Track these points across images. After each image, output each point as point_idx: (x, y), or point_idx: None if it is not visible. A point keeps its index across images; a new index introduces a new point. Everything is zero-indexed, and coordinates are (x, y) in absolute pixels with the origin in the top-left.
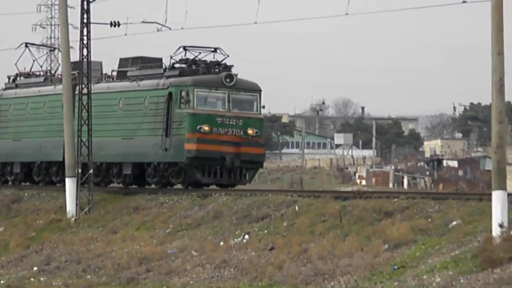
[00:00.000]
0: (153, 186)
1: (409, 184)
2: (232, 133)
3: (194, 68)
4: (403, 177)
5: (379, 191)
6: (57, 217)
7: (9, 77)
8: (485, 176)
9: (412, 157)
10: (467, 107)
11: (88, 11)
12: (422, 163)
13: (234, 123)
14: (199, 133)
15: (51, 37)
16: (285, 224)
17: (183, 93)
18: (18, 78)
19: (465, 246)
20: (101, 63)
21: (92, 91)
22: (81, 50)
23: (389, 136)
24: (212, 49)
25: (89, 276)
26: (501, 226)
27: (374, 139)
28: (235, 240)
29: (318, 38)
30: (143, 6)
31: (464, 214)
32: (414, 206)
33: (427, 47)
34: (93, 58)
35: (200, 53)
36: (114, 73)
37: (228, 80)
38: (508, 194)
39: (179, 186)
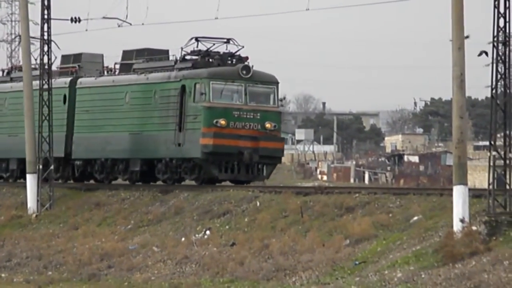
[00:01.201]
0: (159, 183)
1: (370, 179)
2: (249, 127)
3: (207, 60)
4: (364, 173)
5: (340, 187)
6: (18, 214)
7: (3, 70)
8: (446, 171)
9: (373, 153)
10: (428, 102)
11: (48, 7)
12: (383, 158)
13: (251, 116)
14: (216, 127)
15: (11, 33)
16: (246, 219)
17: (198, 86)
18: (13, 71)
19: (426, 241)
20: (102, 55)
21: (95, 85)
22: (41, 46)
23: (350, 132)
24: (225, 40)
25: (50, 272)
26: (462, 221)
27: (335, 134)
28: (197, 236)
29: (279, 33)
30: (104, 2)
31: (425, 209)
32: (375, 201)
33: (387, 42)
34: (94, 50)
35: (214, 44)
36: (117, 66)
37: (244, 72)
38: (469, 189)
39: (192, 182)
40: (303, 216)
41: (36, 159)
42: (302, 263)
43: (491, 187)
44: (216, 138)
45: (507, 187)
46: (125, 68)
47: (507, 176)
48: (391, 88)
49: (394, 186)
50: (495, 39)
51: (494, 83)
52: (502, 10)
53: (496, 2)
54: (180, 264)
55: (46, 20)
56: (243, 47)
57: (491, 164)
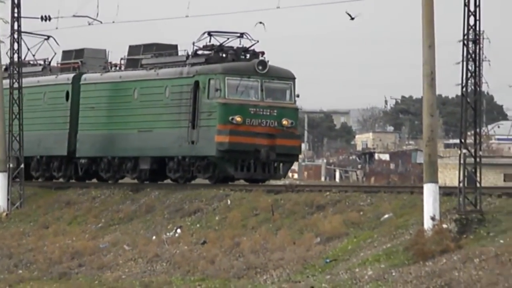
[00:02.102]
0: (167, 181)
1: (341, 177)
2: (266, 124)
3: (221, 55)
4: (335, 171)
5: (311, 185)
6: None
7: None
8: (417, 169)
9: (344, 151)
10: (399, 100)
11: (18, 5)
12: (354, 157)
13: (268, 113)
14: (231, 124)
15: None
16: (217, 218)
17: (212, 82)
18: (11, 68)
19: (397, 239)
20: (105, 51)
21: (101, 81)
22: (11, 44)
23: (321, 130)
24: (238, 34)
25: (20, 271)
26: (432, 219)
27: (306, 132)
28: (167, 234)
29: (250, 32)
30: (74, 0)
31: (396, 207)
32: (346, 199)
33: (358, 40)
34: (96, 46)
35: (228, 38)
36: (123, 61)
37: (260, 67)
38: (440, 187)
39: (205, 181)
40: (274, 215)
41: (6, 158)
42: (273, 261)
43: (461, 185)
44: (232, 136)
45: (478, 185)
46: (132, 63)
47: (478, 174)
48: (362, 86)
49: (365, 184)
50: (465, 37)
51: (464, 81)
52: (472, 8)
53: (466, 1)
54: (151, 263)
55: (16, 18)
56: (257, 41)
57: (462, 162)
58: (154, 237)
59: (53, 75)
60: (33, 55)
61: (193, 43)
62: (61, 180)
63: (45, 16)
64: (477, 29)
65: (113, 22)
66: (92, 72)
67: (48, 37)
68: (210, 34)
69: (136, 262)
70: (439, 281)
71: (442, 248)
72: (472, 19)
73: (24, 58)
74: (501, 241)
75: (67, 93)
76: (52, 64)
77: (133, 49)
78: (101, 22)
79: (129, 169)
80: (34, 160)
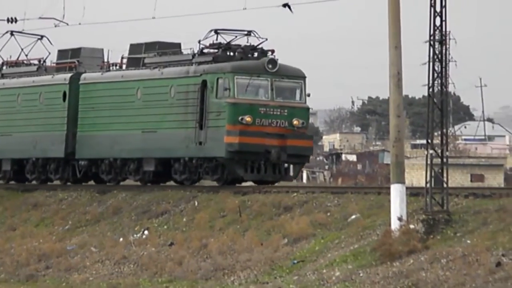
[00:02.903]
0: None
1: (308, 178)
2: (276, 124)
3: (228, 53)
4: (302, 172)
5: (279, 186)
6: None
7: None
8: (384, 169)
9: None
10: (365, 101)
11: None
12: (321, 157)
13: (278, 113)
14: (241, 124)
15: None
16: (184, 219)
17: (221, 81)
18: (3, 68)
19: (364, 240)
20: (102, 50)
21: (102, 80)
22: None
23: None
24: (246, 32)
25: None
26: (399, 219)
27: None
28: (135, 236)
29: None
30: (41, 2)
31: (363, 208)
32: (313, 200)
33: (324, 40)
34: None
35: (236, 36)
36: (124, 60)
37: (270, 66)
38: (407, 188)
39: (213, 183)
40: (242, 216)
41: None
42: (240, 262)
43: (428, 185)
44: (242, 136)
45: (444, 185)
46: (134, 62)
47: (444, 175)
48: (329, 87)
49: (332, 185)
50: (432, 38)
51: (430, 81)
52: (438, 9)
53: (433, 1)
54: (118, 264)
55: None
56: (266, 39)
57: (429, 162)
58: (121, 239)
59: (48, 75)
60: (26, 55)
61: (199, 42)
62: (58, 182)
63: (12, 18)
64: (443, 29)
65: (80, 24)
66: (91, 71)
67: (42, 36)
68: (217, 32)
69: (104, 264)
70: (407, 282)
71: (409, 248)
72: (438, 19)
73: (17, 58)
74: (468, 241)
75: (64, 93)
76: (46, 64)
77: (134, 48)
78: (67, 24)
79: (132, 171)
80: (29, 162)
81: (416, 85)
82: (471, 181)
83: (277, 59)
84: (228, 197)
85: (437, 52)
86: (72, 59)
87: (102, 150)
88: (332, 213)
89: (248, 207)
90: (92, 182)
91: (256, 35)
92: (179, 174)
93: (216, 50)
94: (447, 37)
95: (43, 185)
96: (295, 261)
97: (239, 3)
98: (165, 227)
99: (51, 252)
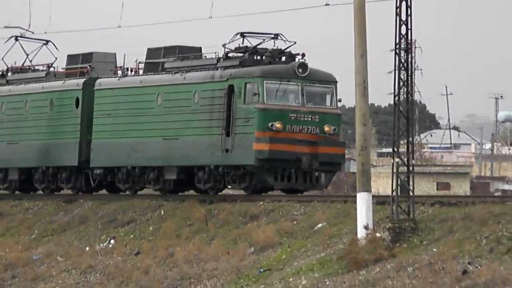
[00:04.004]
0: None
1: None
2: (307, 131)
3: (255, 57)
4: None
5: (245, 194)
6: None
7: None
8: (350, 178)
9: None
10: None
11: None
12: None
13: (309, 119)
14: (271, 131)
15: None
16: (151, 228)
17: (249, 86)
18: (8, 74)
19: (330, 248)
20: (115, 54)
21: (119, 86)
22: None
23: None
24: (273, 35)
25: None
26: (366, 227)
27: None
28: (101, 245)
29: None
30: (6, 11)
31: (329, 216)
32: (279, 209)
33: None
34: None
35: (264, 40)
36: (141, 65)
37: (301, 70)
38: (373, 196)
39: (240, 192)
40: (208, 224)
41: None
42: (207, 271)
43: (394, 193)
44: (272, 143)
45: (410, 193)
46: (152, 67)
47: (410, 183)
48: None
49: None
50: (397, 46)
51: (396, 90)
52: (404, 17)
53: (398, 10)
54: (85, 274)
55: None
56: (295, 43)
57: (395, 170)
58: (87, 248)
59: (58, 80)
60: (30, 61)
61: (224, 45)
62: (69, 192)
63: None
64: (409, 38)
65: (45, 32)
66: (106, 76)
67: (47, 41)
68: (243, 35)
69: (70, 273)
70: None
71: (376, 256)
72: (404, 28)
73: (23, 64)
74: (434, 249)
75: (77, 99)
76: (55, 69)
77: (152, 52)
78: (33, 33)
79: (152, 180)
80: (38, 171)
81: (382, 93)
82: (437, 189)
83: (308, 63)
84: (194, 206)
85: (402, 60)
86: (84, 64)
87: (119, 158)
88: (298, 221)
89: (214, 216)
90: (104, 191)
91: (283, 38)
92: (203, 183)
93: (242, 54)
94: (413, 46)
95: (8, 195)
96: (262, 270)
97: (206, 11)
98: (132, 236)
99: (17, 261)
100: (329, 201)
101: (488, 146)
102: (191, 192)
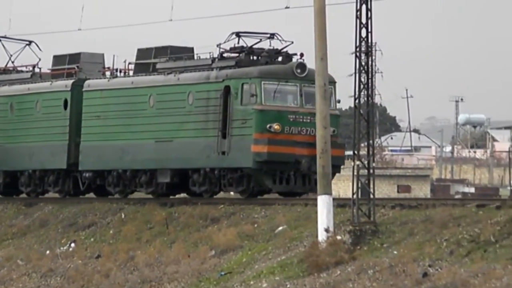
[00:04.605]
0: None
1: None
2: (306, 133)
3: (252, 57)
4: None
5: (205, 198)
6: None
7: None
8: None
9: None
10: None
11: None
12: None
13: (308, 120)
14: (269, 133)
15: None
16: (111, 232)
17: (246, 87)
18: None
19: (291, 251)
20: (103, 55)
21: (109, 87)
22: None
23: None
24: (269, 35)
25: None
26: (327, 230)
27: None
28: (61, 248)
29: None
30: None
31: (290, 219)
32: (240, 212)
33: None
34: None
35: (260, 40)
36: (131, 66)
37: (299, 70)
38: (334, 199)
39: (236, 195)
40: (169, 228)
41: None
42: (168, 274)
43: (355, 196)
44: (271, 145)
45: (371, 196)
46: (143, 68)
47: (371, 186)
48: None
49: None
50: (358, 49)
51: (357, 93)
52: (364, 20)
53: (358, 13)
54: (45, 277)
55: None
56: (292, 42)
57: (355, 173)
58: (48, 252)
59: (45, 81)
60: (12, 62)
61: (219, 45)
62: (57, 195)
63: None
64: (369, 41)
65: (5, 36)
66: (95, 77)
67: (30, 42)
68: (238, 35)
69: (30, 277)
70: None
71: (337, 259)
72: (364, 31)
73: (6, 65)
74: (395, 252)
75: (66, 100)
76: (41, 70)
77: (142, 53)
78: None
79: (144, 183)
80: (24, 175)
81: (343, 96)
82: (398, 192)
83: (306, 63)
84: (155, 209)
85: (363, 63)
86: (71, 65)
87: (109, 161)
88: (259, 224)
89: (175, 219)
90: (92, 195)
91: (280, 38)
92: (198, 186)
93: (237, 55)
94: (373, 49)
95: None
96: (223, 273)
97: (166, 13)
98: (92, 239)
99: None
100: (290, 204)
101: (448, 148)
102: (183, 195)
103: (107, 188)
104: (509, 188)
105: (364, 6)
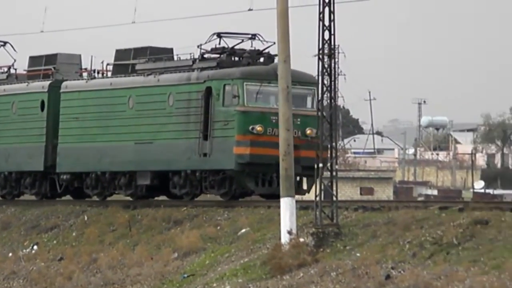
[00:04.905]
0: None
1: None
2: None
3: (233, 58)
4: None
5: (168, 200)
6: None
7: None
8: None
9: None
10: None
11: None
12: None
13: None
14: (252, 134)
15: None
16: (74, 234)
17: (228, 88)
18: None
19: (254, 254)
20: (80, 56)
21: (87, 89)
22: None
23: None
24: (250, 36)
25: None
26: (289, 233)
27: None
28: (24, 251)
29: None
30: None
31: (253, 221)
32: (203, 214)
33: None
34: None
35: (242, 40)
36: (109, 67)
37: None
38: (296, 201)
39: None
40: (131, 230)
41: None
42: (130, 276)
43: (318, 199)
44: (253, 147)
45: (334, 198)
46: (121, 69)
47: (334, 188)
48: None
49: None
50: (321, 51)
51: (320, 95)
52: (327, 23)
53: (321, 15)
54: (8, 280)
55: None
56: (274, 43)
57: (318, 176)
58: (10, 254)
59: (21, 83)
60: None
61: (199, 46)
62: (33, 198)
63: None
64: (332, 43)
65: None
66: (72, 78)
67: (5, 43)
68: (219, 35)
69: None
70: None
71: (299, 262)
72: (327, 33)
73: None
74: (358, 254)
75: (42, 102)
76: (16, 71)
77: (121, 54)
78: None
79: (123, 185)
80: (0, 176)
81: None
82: (361, 194)
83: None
84: (117, 211)
85: (326, 65)
86: (47, 66)
87: (87, 163)
88: (222, 227)
89: (138, 222)
90: (68, 197)
91: (261, 39)
92: (179, 188)
93: (219, 55)
94: (336, 51)
95: None
96: (185, 275)
97: (129, 16)
98: (55, 242)
99: None
100: (252, 206)
101: (411, 151)
102: (163, 197)
103: (85, 190)
104: (471, 190)
105: (327, 9)
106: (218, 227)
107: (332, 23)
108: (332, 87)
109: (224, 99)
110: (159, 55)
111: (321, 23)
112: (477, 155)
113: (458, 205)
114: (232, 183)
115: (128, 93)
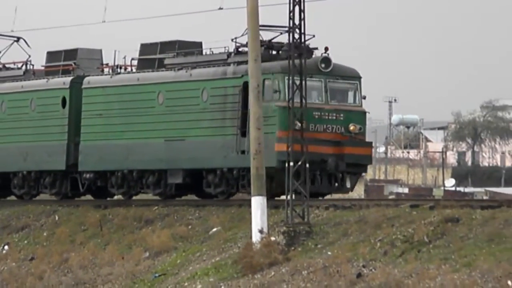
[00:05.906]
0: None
1: None
2: (331, 130)
3: (271, 52)
4: None
5: (139, 199)
6: None
7: None
8: None
9: None
10: None
11: None
12: None
13: (333, 117)
14: (294, 130)
15: None
16: (45, 234)
17: (268, 82)
18: None
19: (225, 253)
20: (100, 51)
21: (112, 84)
22: None
23: None
24: (287, 29)
25: None
26: (260, 231)
27: None
28: None
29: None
30: None
31: (224, 220)
32: (174, 213)
33: None
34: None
35: (281, 33)
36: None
37: (324, 65)
38: (267, 200)
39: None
40: (102, 229)
41: None
42: (102, 276)
43: (289, 197)
44: (296, 144)
45: (305, 197)
46: (147, 64)
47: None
48: None
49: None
50: (291, 51)
51: (291, 94)
52: (297, 21)
53: (291, 14)
54: None
55: None
56: (313, 36)
57: (289, 174)
58: None
59: (39, 79)
60: None
61: (234, 40)
62: (53, 198)
63: None
64: (302, 42)
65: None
66: (96, 74)
67: (19, 38)
68: None
69: None
70: None
71: (271, 260)
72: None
73: None
74: (329, 252)
75: (64, 98)
76: (33, 67)
77: (147, 48)
78: None
79: (151, 184)
80: (17, 176)
81: None
82: None
83: (331, 58)
84: (88, 211)
85: (296, 64)
86: (67, 61)
87: (113, 161)
88: (193, 226)
89: (109, 221)
90: (89, 197)
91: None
92: (214, 187)
93: None
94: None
95: None
96: (157, 275)
97: (99, 16)
98: (26, 241)
99: None
100: (223, 205)
101: (382, 149)
102: (192, 197)
103: (110, 189)
104: (442, 188)
105: (297, 8)
106: (190, 226)
107: (302, 22)
108: (303, 86)
109: (264, 94)
110: (188, 49)
111: (291, 21)
112: (448, 153)
113: (429, 203)
114: (272, 182)
115: (158, 89)
